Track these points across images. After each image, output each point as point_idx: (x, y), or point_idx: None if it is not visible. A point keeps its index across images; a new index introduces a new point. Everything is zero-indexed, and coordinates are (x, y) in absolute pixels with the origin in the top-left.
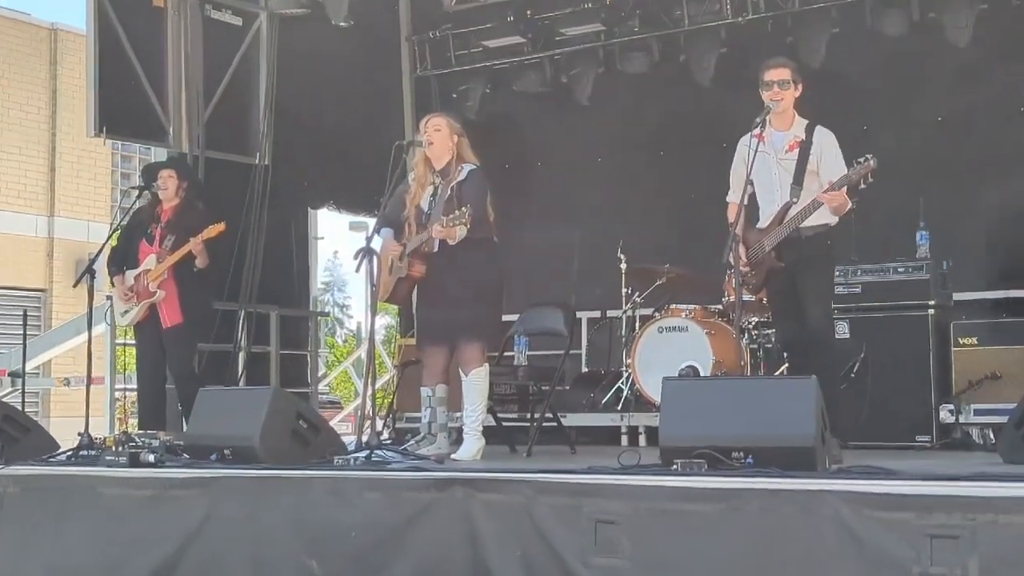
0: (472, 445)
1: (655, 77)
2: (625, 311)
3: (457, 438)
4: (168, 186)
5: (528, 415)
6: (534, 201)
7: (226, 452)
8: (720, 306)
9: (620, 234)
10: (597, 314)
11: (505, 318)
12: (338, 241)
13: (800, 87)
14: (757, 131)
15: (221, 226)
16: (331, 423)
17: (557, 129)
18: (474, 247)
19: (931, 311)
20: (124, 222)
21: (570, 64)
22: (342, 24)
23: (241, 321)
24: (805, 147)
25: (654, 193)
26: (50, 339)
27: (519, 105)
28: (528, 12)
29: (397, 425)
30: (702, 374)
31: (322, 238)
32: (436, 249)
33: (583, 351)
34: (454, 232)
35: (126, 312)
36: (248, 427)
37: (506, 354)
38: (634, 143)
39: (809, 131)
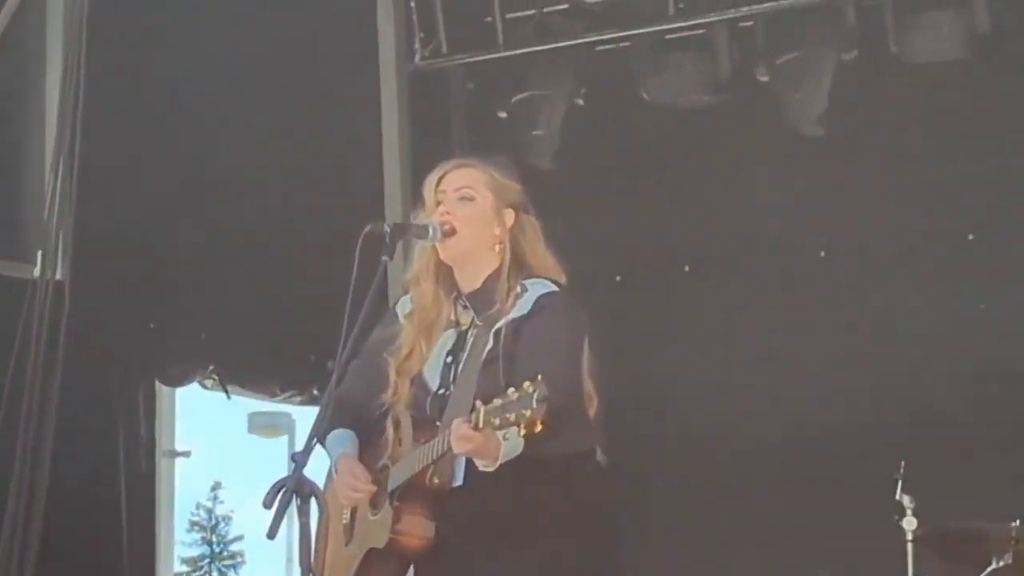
0: None
1: None
2: None
3: None
4: None
5: None
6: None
7: None
8: None
9: None
10: None
11: None
12: (226, 458)
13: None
14: None
15: None
16: None
17: None
18: (553, 479)
19: None
20: None
21: None
22: None
23: None
24: None
25: None
26: None
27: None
28: None
29: None
30: None
31: (186, 453)
32: (460, 482)
33: None
34: (495, 447)
35: None
36: None
37: None
38: None
39: None
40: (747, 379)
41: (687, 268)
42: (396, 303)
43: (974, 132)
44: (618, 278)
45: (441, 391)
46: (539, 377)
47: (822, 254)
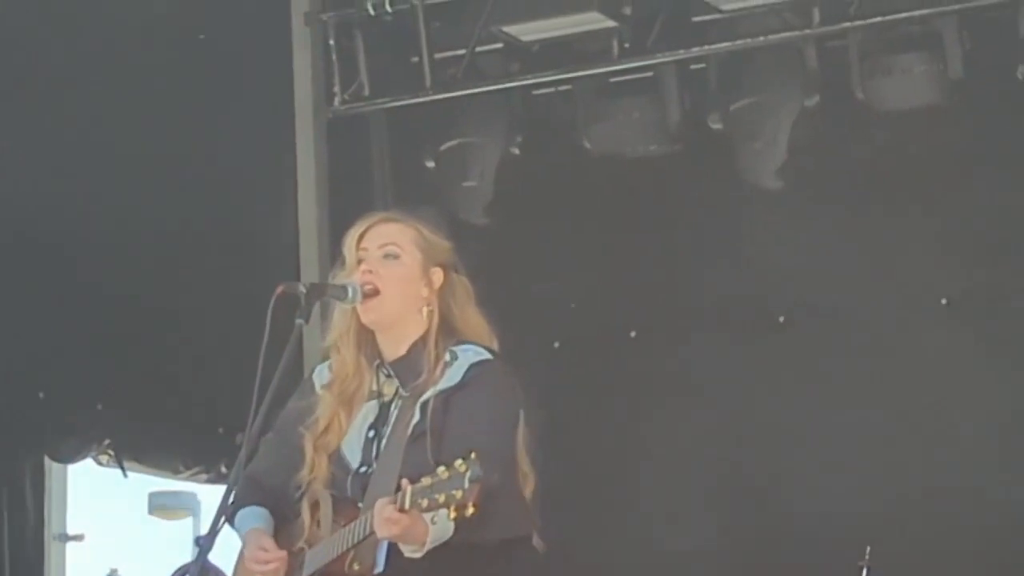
0: None
1: None
2: None
3: None
4: None
5: None
6: None
7: None
8: None
9: None
10: None
11: None
12: (123, 543)
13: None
14: None
15: None
16: None
17: None
18: (485, 566)
19: None
20: None
21: None
22: None
23: None
24: None
25: None
26: None
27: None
28: None
29: None
30: None
31: (79, 537)
32: (383, 569)
33: None
34: (423, 531)
35: None
36: None
37: None
38: None
39: None
40: (699, 454)
41: (633, 334)
42: (313, 371)
43: (947, 185)
44: (556, 344)
45: (363, 469)
46: (472, 455)
47: (781, 319)
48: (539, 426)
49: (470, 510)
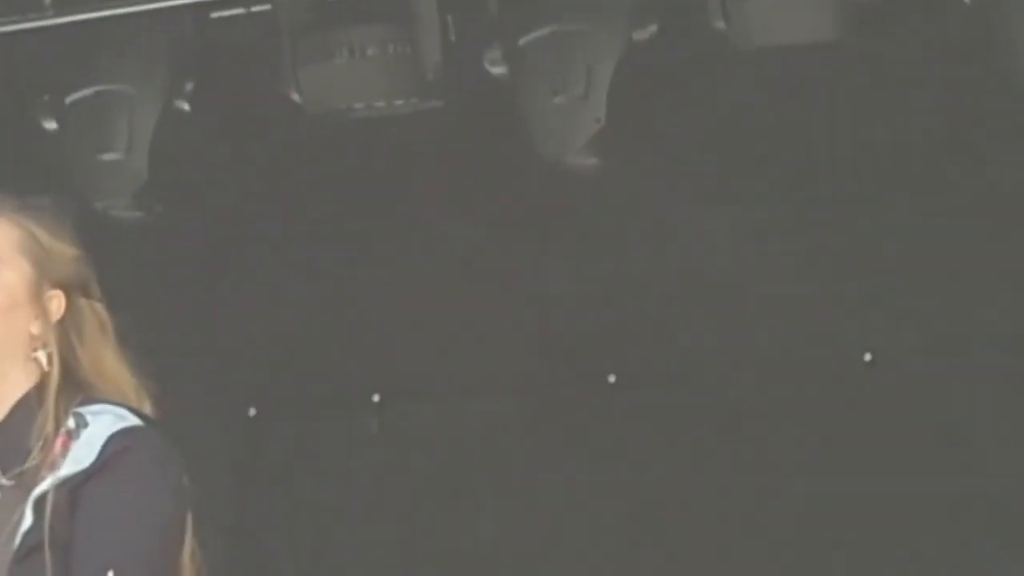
0: None
1: None
2: None
3: None
4: None
5: None
6: None
7: None
8: None
9: None
10: None
11: None
12: None
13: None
14: None
15: None
16: None
17: None
18: None
19: None
20: None
21: None
22: None
23: None
24: None
25: None
26: None
27: None
28: None
29: None
30: None
31: None
32: None
33: None
34: None
35: None
36: None
37: None
38: None
39: None
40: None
41: (376, 398)
42: None
43: (839, 151)
44: (252, 411)
45: None
46: (110, 573)
47: (612, 379)
48: (221, 530)
49: None
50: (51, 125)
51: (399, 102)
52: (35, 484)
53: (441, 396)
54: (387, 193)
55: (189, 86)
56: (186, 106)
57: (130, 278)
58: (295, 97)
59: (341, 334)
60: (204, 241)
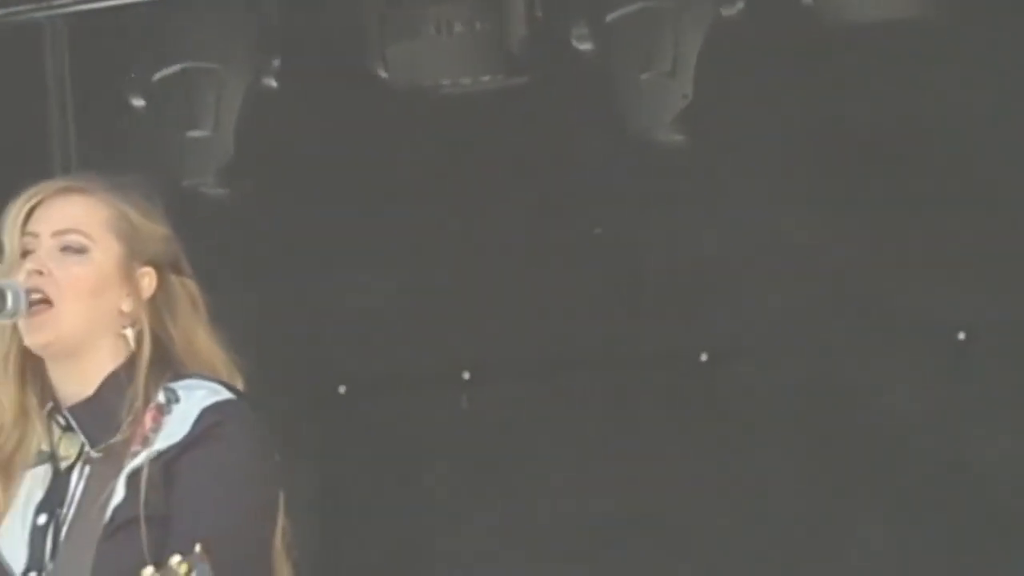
0: None
1: None
2: None
3: None
4: None
5: None
6: None
7: None
8: None
9: None
10: None
11: None
12: None
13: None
14: None
15: None
16: None
17: None
18: None
19: None
20: None
21: None
22: None
23: None
24: None
25: None
26: None
27: None
28: None
29: None
30: None
31: None
32: None
33: None
34: None
35: None
36: None
37: None
38: None
39: None
40: (555, 544)
41: (467, 375)
42: None
43: (929, 128)
44: (342, 389)
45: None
46: (197, 548)
47: (704, 357)
48: (313, 508)
49: None
50: (139, 103)
51: (485, 78)
52: (124, 458)
53: (532, 373)
54: (473, 169)
55: (276, 63)
56: (273, 83)
57: (219, 256)
58: (381, 74)
59: (430, 311)
60: (292, 218)
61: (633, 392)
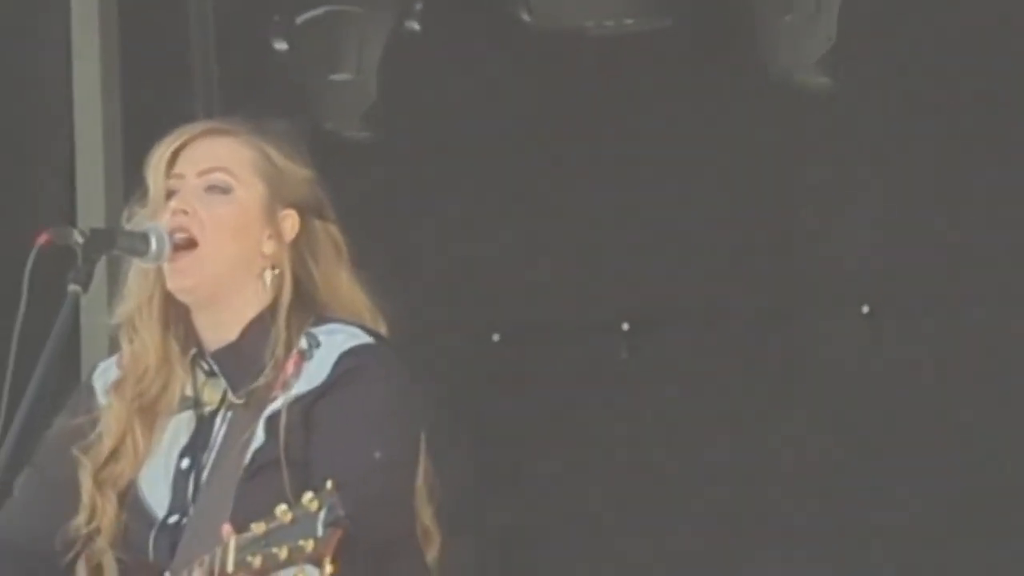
0: None
1: None
2: None
3: None
4: None
5: None
6: None
7: None
8: None
9: None
10: None
11: None
12: None
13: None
14: None
15: None
16: None
17: None
18: None
19: None
20: None
21: None
22: None
23: None
24: None
25: None
26: None
27: None
28: None
29: None
30: None
31: None
32: None
33: None
34: None
35: None
36: None
37: None
38: None
39: None
40: (709, 492)
41: (626, 326)
42: (93, 370)
43: None
44: (495, 337)
45: (172, 518)
46: (328, 484)
47: (865, 309)
48: (457, 456)
49: (327, 570)
50: (282, 46)
51: (629, 21)
52: (265, 403)
53: (693, 323)
54: (618, 112)
55: (419, 5)
56: (416, 26)
57: (363, 199)
58: (524, 16)
59: (589, 259)
60: (437, 162)
61: (798, 344)
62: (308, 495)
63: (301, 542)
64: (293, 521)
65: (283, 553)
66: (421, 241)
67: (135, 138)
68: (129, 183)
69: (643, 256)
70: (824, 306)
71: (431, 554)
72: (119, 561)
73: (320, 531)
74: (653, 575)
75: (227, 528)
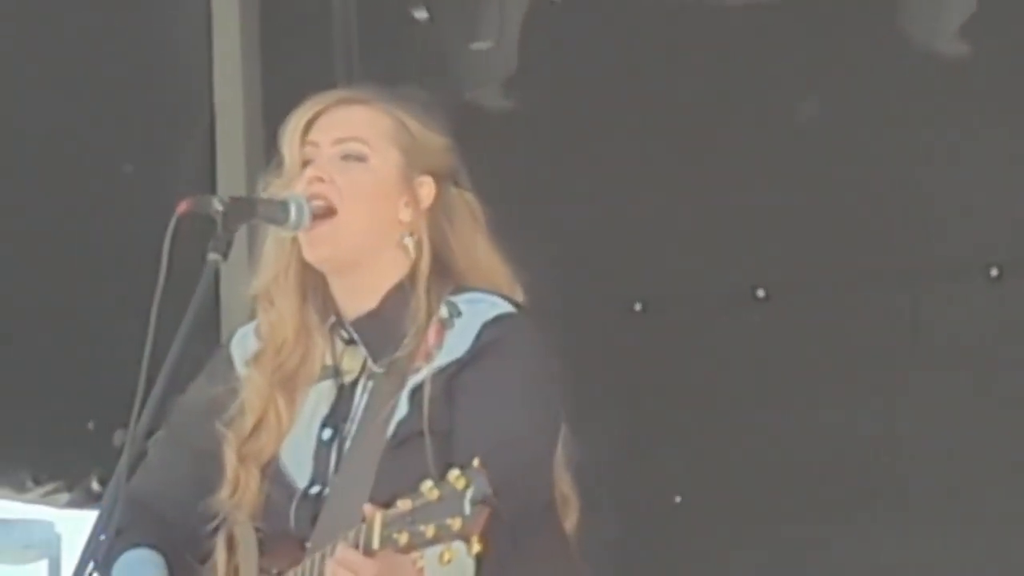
0: None
1: None
2: None
3: None
4: None
5: None
6: None
7: None
8: None
9: None
10: None
11: None
12: None
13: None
14: None
15: None
16: None
17: None
18: None
19: None
20: None
21: None
22: None
23: None
24: None
25: None
26: None
27: None
28: None
29: None
30: None
31: None
32: None
33: None
34: (406, 568)
35: None
36: None
37: None
38: None
39: None
40: (851, 461)
41: (761, 293)
42: (231, 337)
43: None
44: (637, 306)
45: (314, 489)
46: (475, 461)
47: (994, 271)
48: (597, 428)
49: (475, 548)
50: (421, 15)
51: None
52: (407, 373)
53: (828, 291)
54: (755, 82)
55: None
56: None
57: (502, 169)
58: None
59: (727, 227)
60: (577, 130)
61: (926, 309)
62: (455, 472)
63: (448, 520)
64: (440, 499)
65: (430, 531)
66: (561, 210)
67: (275, 108)
68: (269, 153)
69: (779, 223)
70: (957, 267)
71: (571, 521)
72: (258, 531)
73: (467, 509)
74: (795, 547)
75: (369, 507)
